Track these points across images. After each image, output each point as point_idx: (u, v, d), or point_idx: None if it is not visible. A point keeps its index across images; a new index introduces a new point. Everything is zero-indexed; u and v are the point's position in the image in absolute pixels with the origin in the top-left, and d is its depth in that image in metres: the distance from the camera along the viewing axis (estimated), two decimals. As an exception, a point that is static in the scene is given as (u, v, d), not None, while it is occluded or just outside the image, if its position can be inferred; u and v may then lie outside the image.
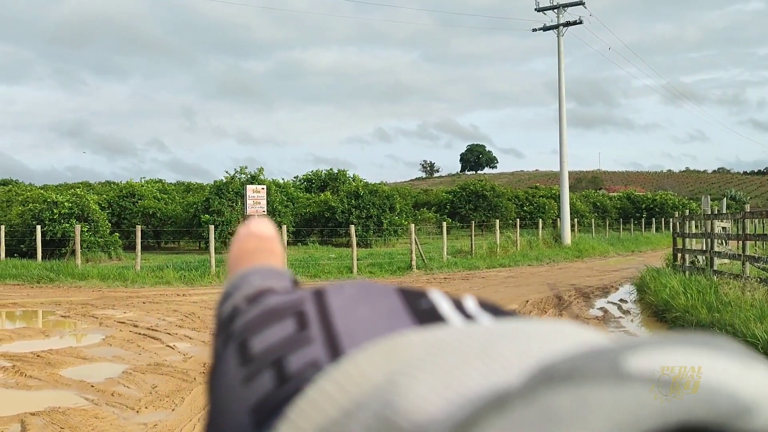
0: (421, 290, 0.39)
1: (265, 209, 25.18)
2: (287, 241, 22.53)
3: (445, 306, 0.36)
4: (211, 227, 20.54)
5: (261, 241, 0.55)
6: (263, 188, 25.29)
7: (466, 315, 0.36)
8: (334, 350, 0.33)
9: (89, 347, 9.51)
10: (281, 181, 37.56)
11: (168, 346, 9.58)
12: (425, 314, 0.36)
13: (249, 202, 24.33)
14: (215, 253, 20.25)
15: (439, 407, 0.23)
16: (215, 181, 33.86)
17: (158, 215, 34.12)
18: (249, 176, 32.76)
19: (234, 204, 30.89)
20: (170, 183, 46.74)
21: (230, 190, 31.55)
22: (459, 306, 0.37)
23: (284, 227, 21.22)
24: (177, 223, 33.28)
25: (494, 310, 0.38)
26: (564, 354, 0.23)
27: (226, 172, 35.75)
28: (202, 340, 9.95)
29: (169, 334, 10.50)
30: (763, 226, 30.02)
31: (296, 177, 46.49)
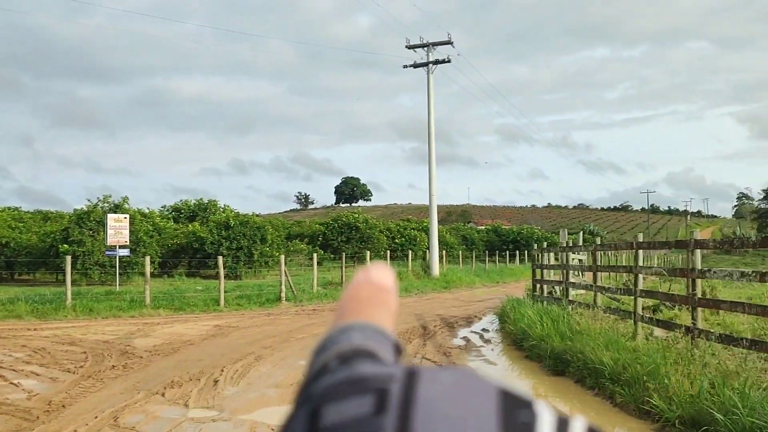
0: (527, 398, 0.35)
1: (127, 239, 24.24)
2: (151, 272, 21.73)
3: (546, 424, 0.33)
4: (68, 258, 19.50)
5: (377, 291, 0.51)
6: (126, 218, 24.38)
7: None
8: None
9: None
10: (146, 211, 36.29)
11: (11, 383, 8.97)
12: (517, 427, 0.33)
13: (110, 231, 23.38)
14: (72, 285, 19.26)
15: None
16: (76, 210, 32.34)
17: (12, 245, 32.11)
18: (112, 205, 31.51)
19: (96, 234, 29.59)
20: (27, 212, 44.15)
21: (92, 219, 30.22)
22: (563, 427, 0.33)
23: (148, 258, 20.45)
24: (32, 253, 31.44)
25: None
26: None
27: (88, 200, 34.30)
28: (50, 377, 9.39)
29: (14, 370, 9.85)
30: (616, 259, 31.82)
31: (164, 206, 45.16)
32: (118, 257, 24.30)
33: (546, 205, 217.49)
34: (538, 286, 17.69)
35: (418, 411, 0.33)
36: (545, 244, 20.25)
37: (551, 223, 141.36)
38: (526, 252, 56.36)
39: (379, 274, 0.52)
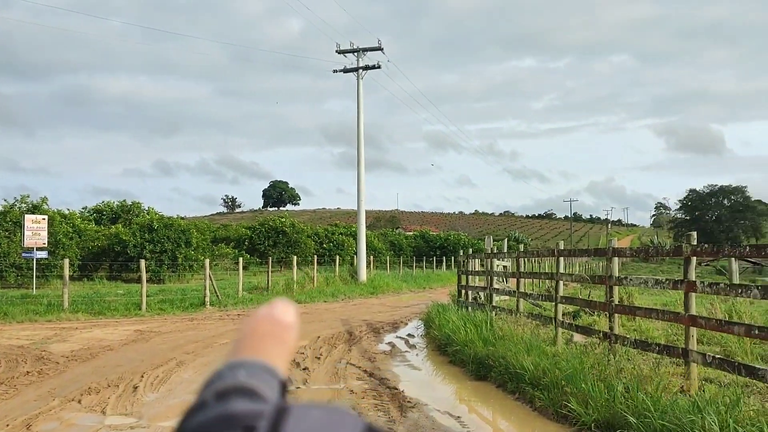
0: None
1: (45, 241, 23.47)
2: (71, 275, 21.10)
3: None
4: (-18, 260, 18.77)
5: (275, 327, 0.51)
6: (44, 218, 23.60)
7: None
8: None
9: None
10: (67, 212, 35.20)
11: None
12: None
13: (27, 233, 22.59)
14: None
15: None
16: (-9, 210, 31.13)
17: None
18: (30, 205, 30.47)
19: (12, 235, 28.53)
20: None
21: (8, 219, 29.14)
22: None
23: (66, 261, 19.83)
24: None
25: None
26: None
27: (5, 200, 32.99)
28: (-42, 384, 9.00)
29: None
30: (539, 265, 32.51)
31: (85, 208, 43.88)
32: (35, 259, 23.49)
33: (473, 212, 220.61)
34: (464, 291, 17.93)
35: None
36: (471, 250, 20.55)
37: (478, 230, 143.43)
38: (453, 258, 57.04)
39: (282, 310, 0.53)
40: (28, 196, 31.23)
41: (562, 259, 11.74)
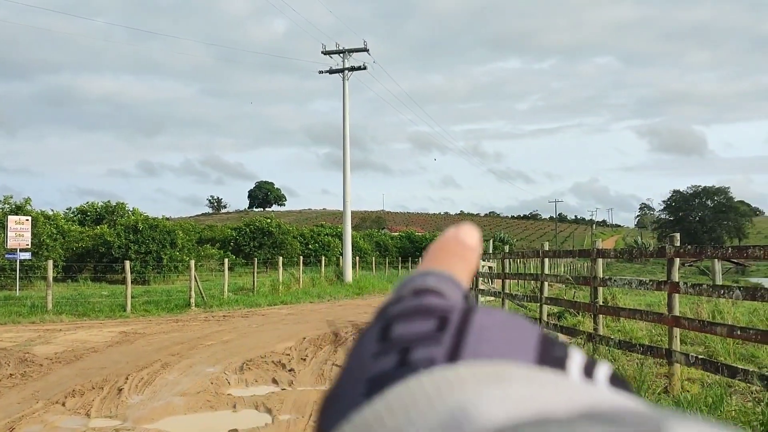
0: (564, 342, 0.41)
1: (29, 242, 23.30)
2: (55, 277, 20.96)
3: (575, 361, 0.39)
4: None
5: (461, 247, 0.56)
6: (27, 219, 23.43)
7: (588, 376, 0.38)
8: (453, 356, 0.38)
9: None
10: (51, 213, 34.96)
11: None
12: (551, 359, 0.39)
13: (11, 234, 22.43)
14: (-32, 289, 18.39)
15: (499, 423, 0.28)
16: (-28, 211, 30.87)
17: None
18: (13, 206, 30.23)
19: (-6, 236, 28.31)
20: None
21: (-9, 221, 28.91)
22: (589, 367, 0.39)
23: (50, 262, 19.71)
24: (-76, 256, 29.83)
25: (620, 383, 0.39)
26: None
27: (-12, 201, 32.71)
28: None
29: None
30: (524, 266, 32.62)
31: (69, 209, 43.61)
32: (18, 261, 23.32)
33: (458, 212, 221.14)
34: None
35: (472, 332, 0.40)
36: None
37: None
38: (438, 259, 56.95)
39: (468, 233, 0.58)
40: (11, 197, 31.03)
41: (547, 260, 11.80)
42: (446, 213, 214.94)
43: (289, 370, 10.31)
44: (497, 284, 17.34)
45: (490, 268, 18.68)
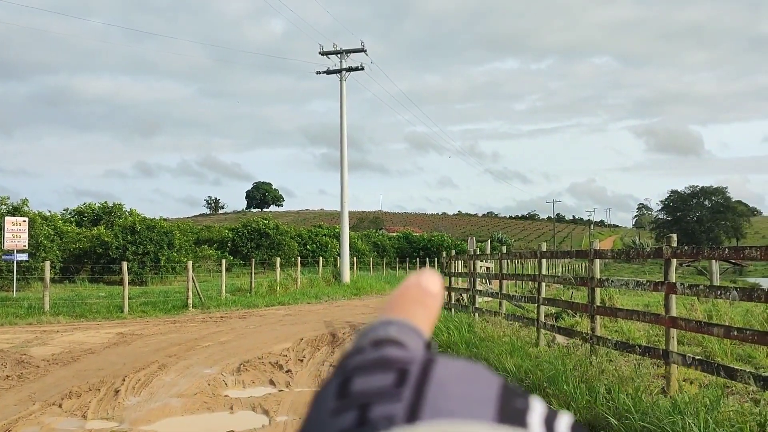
0: (524, 392, 0.42)
1: (26, 243, 23.27)
2: (52, 278, 20.92)
3: (537, 413, 0.40)
4: (-39, 262, 18.59)
5: (422, 294, 0.57)
6: (25, 221, 23.39)
7: (549, 429, 0.39)
8: (413, 414, 0.38)
9: None
10: (48, 214, 34.90)
11: None
12: (511, 412, 0.39)
13: (8, 235, 22.38)
14: (-36, 291, 18.35)
15: None
16: (-30, 212, 30.79)
17: None
18: (10, 207, 30.17)
19: (-9, 237, 28.23)
20: None
21: (-12, 221, 28.84)
22: (550, 419, 0.40)
23: (47, 263, 19.68)
24: None
25: None
26: None
27: (-16, 202, 32.64)
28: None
29: None
30: (522, 267, 32.61)
31: (66, 210, 43.53)
32: (15, 262, 23.28)
33: (456, 213, 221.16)
34: (447, 293, 17.96)
35: (432, 387, 0.40)
36: (454, 251, 20.57)
37: (461, 231, 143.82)
38: (436, 259, 57.21)
39: (430, 280, 0.59)
40: (8, 198, 30.92)
41: (544, 260, 11.80)
42: (444, 213, 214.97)
43: (287, 371, 10.30)
44: (495, 285, 17.34)
45: (488, 268, 18.68)
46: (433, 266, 55.34)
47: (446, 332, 11.86)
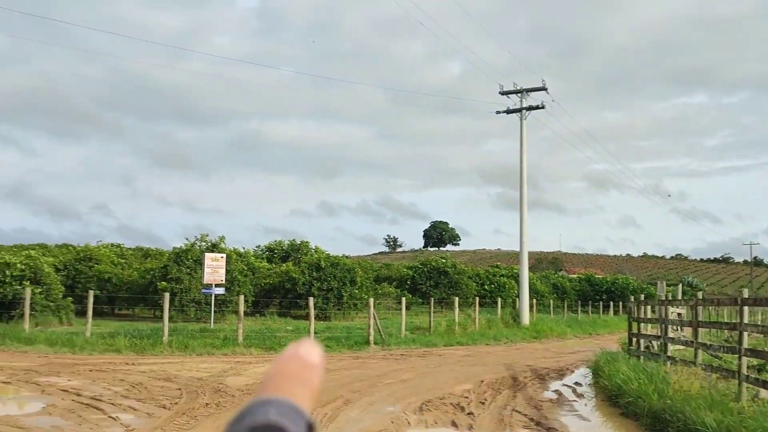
0: None
1: (223, 278, 24.89)
2: (245, 311, 22.18)
3: None
4: (166, 295, 20.16)
5: (302, 367, 0.56)
6: (222, 257, 25.07)
7: None
8: None
9: (28, 416, 9.17)
10: (242, 250, 37.23)
11: (110, 416, 9.27)
12: None
13: (207, 270, 24.07)
14: (169, 321, 19.86)
15: None
16: (174, 248, 33.45)
17: (114, 280, 33.46)
18: (209, 244, 32.45)
19: (193, 272, 30.47)
20: (129, 248, 46.07)
21: (189, 257, 31.18)
22: None
23: (242, 297, 20.91)
24: (133, 289, 32.68)
25: None
26: None
27: (186, 239, 35.43)
28: (147, 412, 9.66)
29: (113, 404, 10.18)
30: (717, 314, 30.48)
31: (258, 246, 46.23)
32: (213, 295, 24.95)
33: (641, 254, 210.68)
34: (635, 340, 17.09)
35: None
36: (642, 296, 19.55)
37: (647, 274, 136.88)
38: (620, 303, 54.76)
39: (308, 350, 0.57)
40: (207, 235, 33.26)
41: (746, 308, 10.94)
42: (628, 255, 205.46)
43: (468, 414, 10.20)
44: (687, 332, 16.28)
45: (679, 314, 17.60)
46: (618, 311, 53.05)
47: (636, 381, 11.26)
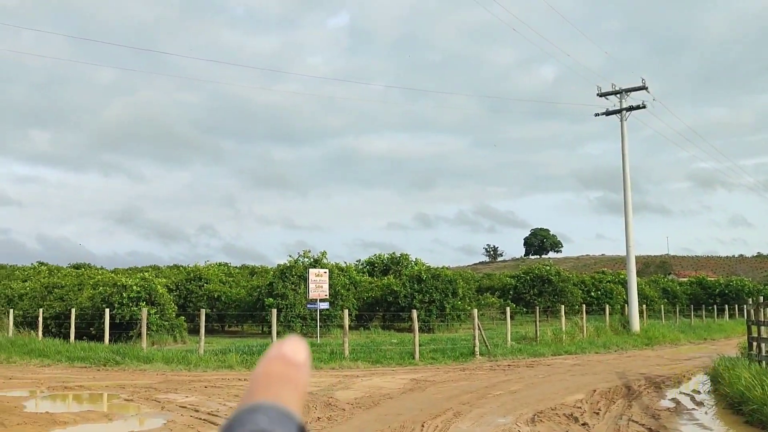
0: None
1: (327, 293, 25.27)
2: (349, 325, 22.44)
3: None
4: (274, 311, 20.65)
5: (288, 367, 0.54)
6: (325, 272, 25.46)
7: None
8: None
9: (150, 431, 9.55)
10: (343, 265, 37.69)
11: None
12: None
13: (311, 285, 24.50)
14: (277, 336, 20.31)
15: None
16: (279, 265, 34.18)
17: (223, 298, 34.56)
18: (312, 260, 33.02)
19: (297, 287, 31.06)
20: (235, 267, 47.47)
21: (294, 273, 31.79)
22: None
23: (346, 311, 21.18)
24: (241, 306, 33.63)
25: None
26: None
27: (289, 255, 36.16)
28: (261, 426, 9.87)
29: (229, 419, 10.46)
30: None
31: (359, 261, 46.69)
32: (318, 310, 25.35)
33: (755, 254, 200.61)
34: (755, 344, 16.27)
35: None
36: (761, 297, 18.59)
37: (763, 274, 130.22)
38: (736, 306, 52.27)
39: (293, 348, 0.54)
40: (309, 251, 33.85)
41: None
42: (741, 255, 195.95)
43: (583, 424, 9.95)
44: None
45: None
46: (734, 314, 50.66)
47: (760, 388, 10.71)
